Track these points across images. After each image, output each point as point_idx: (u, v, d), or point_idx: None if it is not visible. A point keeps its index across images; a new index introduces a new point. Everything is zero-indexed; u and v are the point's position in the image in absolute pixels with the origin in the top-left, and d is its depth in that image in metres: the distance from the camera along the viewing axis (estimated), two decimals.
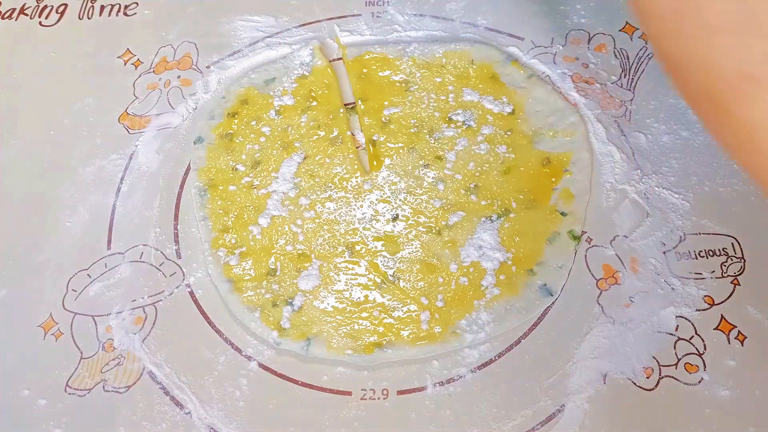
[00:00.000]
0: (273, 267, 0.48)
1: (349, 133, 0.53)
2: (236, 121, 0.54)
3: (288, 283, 0.47)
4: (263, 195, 0.51)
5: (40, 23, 0.64)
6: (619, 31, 0.58)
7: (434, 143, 0.52)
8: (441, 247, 0.48)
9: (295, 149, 0.53)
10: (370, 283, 0.47)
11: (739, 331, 0.44)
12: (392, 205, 0.50)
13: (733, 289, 0.45)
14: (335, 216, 0.50)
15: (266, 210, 0.50)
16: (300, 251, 0.48)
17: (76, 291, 0.48)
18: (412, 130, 0.53)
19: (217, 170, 0.52)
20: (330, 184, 0.51)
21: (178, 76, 0.58)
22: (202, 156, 0.53)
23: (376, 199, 0.50)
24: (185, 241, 0.50)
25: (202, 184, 0.52)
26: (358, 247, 0.48)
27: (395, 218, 0.49)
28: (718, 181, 0.49)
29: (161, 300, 0.47)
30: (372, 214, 0.50)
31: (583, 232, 0.48)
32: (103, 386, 0.44)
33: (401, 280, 0.47)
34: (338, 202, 0.50)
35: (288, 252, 0.48)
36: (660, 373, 0.43)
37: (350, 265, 0.48)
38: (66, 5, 0.65)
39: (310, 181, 0.51)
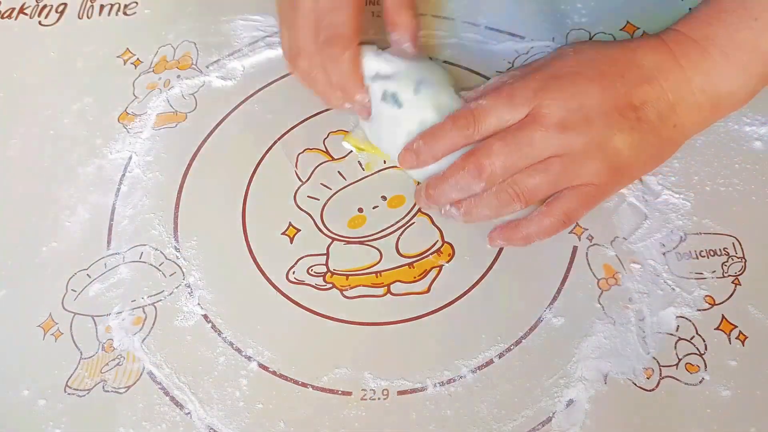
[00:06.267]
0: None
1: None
2: None
3: None
4: None
5: (39, 23, 0.64)
6: (620, 30, 0.58)
7: None
8: None
9: None
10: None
11: (740, 331, 0.44)
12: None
13: (734, 289, 0.45)
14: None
15: None
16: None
17: (75, 291, 0.48)
18: None
19: None
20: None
21: (178, 76, 0.58)
22: None
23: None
24: (185, 240, 0.50)
25: None
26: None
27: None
28: (719, 181, 0.49)
29: (161, 300, 0.47)
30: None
31: (585, 230, 0.48)
32: (103, 386, 0.44)
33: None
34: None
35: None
36: (661, 373, 0.43)
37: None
38: (65, 5, 0.65)
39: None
